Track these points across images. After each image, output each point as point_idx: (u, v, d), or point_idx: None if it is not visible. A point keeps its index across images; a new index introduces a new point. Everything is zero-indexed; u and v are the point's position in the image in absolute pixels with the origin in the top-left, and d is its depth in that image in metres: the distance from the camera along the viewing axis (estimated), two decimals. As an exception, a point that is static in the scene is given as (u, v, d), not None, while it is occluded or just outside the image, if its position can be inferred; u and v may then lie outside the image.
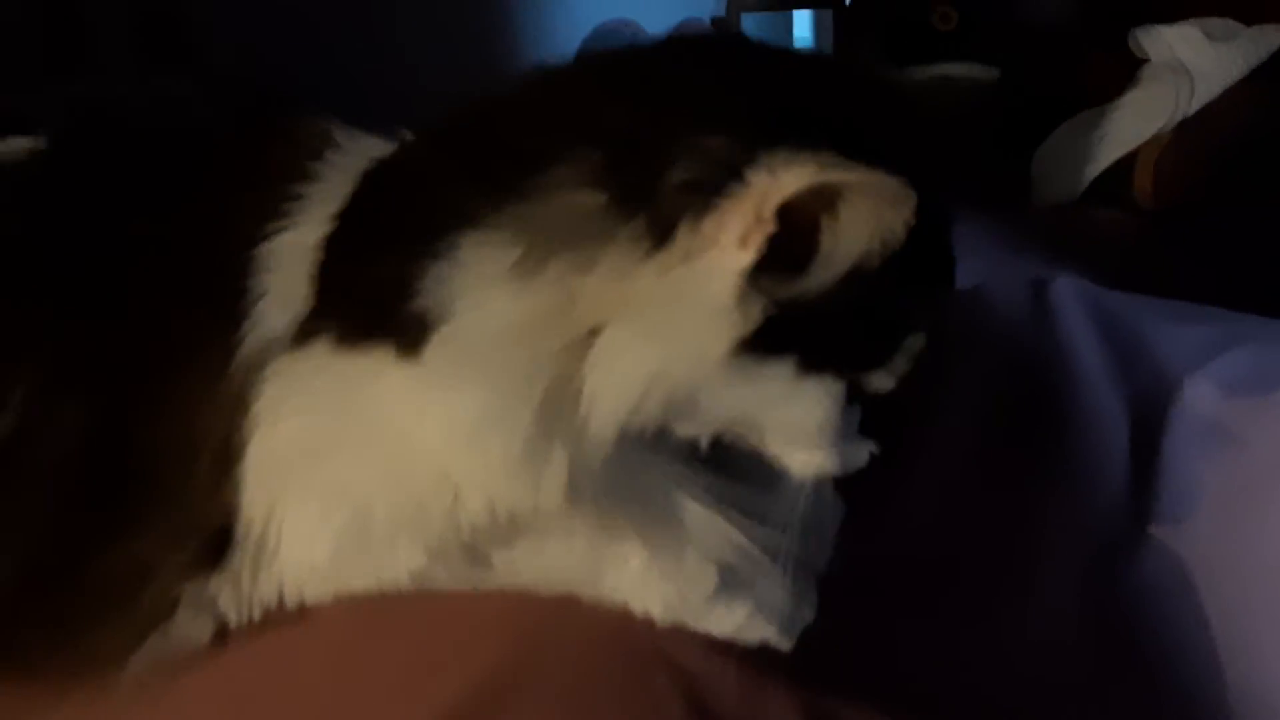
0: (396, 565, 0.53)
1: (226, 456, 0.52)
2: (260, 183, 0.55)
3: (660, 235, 0.46)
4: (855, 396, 0.51)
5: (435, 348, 0.48)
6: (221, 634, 0.54)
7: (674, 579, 0.54)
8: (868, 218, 0.46)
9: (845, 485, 0.59)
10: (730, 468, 0.55)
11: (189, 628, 0.54)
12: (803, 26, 1.83)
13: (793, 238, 0.46)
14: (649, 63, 0.53)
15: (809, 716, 0.54)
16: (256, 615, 0.54)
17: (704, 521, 0.54)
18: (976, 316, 0.80)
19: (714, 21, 1.75)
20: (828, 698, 0.56)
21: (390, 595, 0.54)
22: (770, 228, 0.45)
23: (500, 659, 0.53)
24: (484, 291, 0.48)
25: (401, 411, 0.50)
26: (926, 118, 0.53)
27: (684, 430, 0.51)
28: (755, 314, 0.47)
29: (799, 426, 0.51)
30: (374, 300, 0.50)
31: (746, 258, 0.46)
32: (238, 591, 0.54)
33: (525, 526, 0.52)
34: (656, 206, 0.46)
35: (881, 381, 0.52)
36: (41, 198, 0.60)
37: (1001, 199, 1.08)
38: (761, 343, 0.47)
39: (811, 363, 0.49)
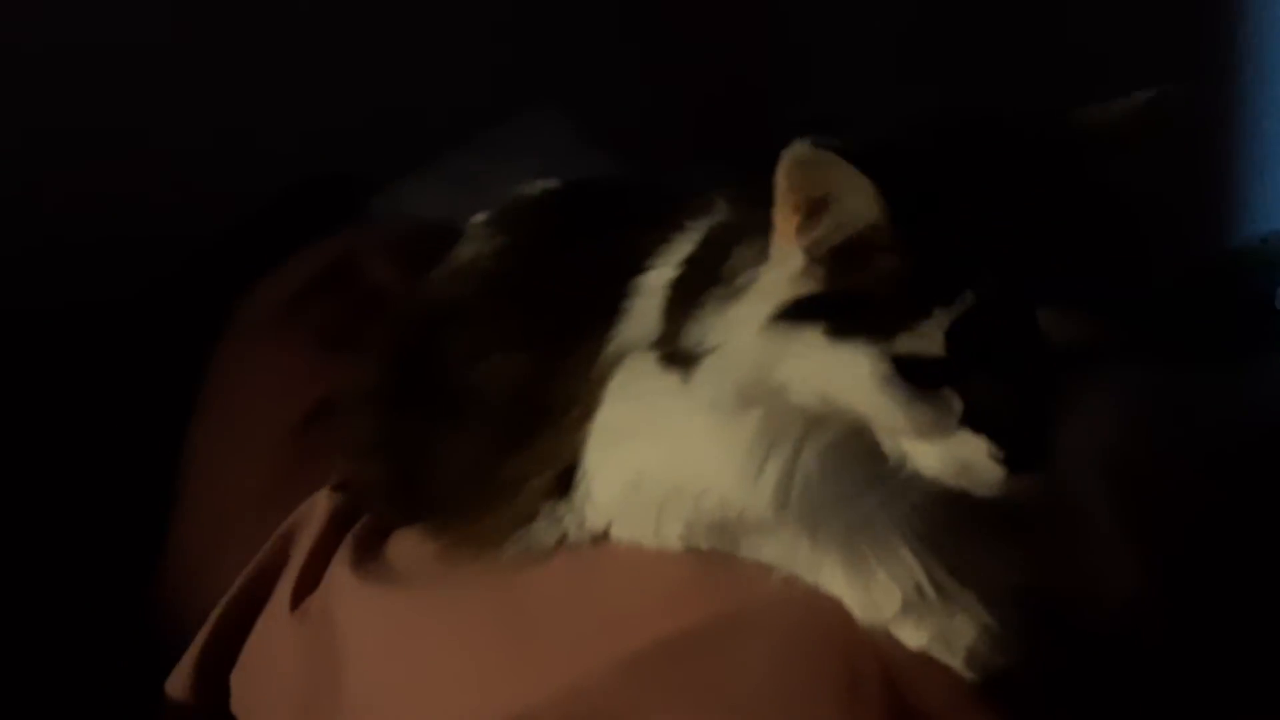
0: (664, 531, 0.70)
1: (587, 412, 0.73)
2: (650, 229, 0.76)
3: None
4: (925, 377, 0.56)
5: (697, 379, 0.64)
6: (561, 545, 0.75)
7: (867, 590, 0.63)
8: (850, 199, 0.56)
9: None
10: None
11: (543, 535, 0.76)
12: None
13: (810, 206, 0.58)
14: None
15: None
16: (586, 539, 0.74)
17: (895, 553, 0.63)
18: None
19: None
20: None
21: (641, 550, 0.72)
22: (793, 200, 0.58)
23: (717, 612, 0.67)
24: (721, 336, 0.63)
25: (678, 421, 0.67)
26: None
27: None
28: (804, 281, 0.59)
29: (854, 391, 0.58)
30: (676, 335, 0.67)
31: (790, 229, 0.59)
32: (575, 516, 0.75)
33: (756, 523, 0.65)
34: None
35: (918, 344, 0.56)
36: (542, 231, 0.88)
37: None
38: (791, 312, 0.59)
39: (840, 327, 0.57)
